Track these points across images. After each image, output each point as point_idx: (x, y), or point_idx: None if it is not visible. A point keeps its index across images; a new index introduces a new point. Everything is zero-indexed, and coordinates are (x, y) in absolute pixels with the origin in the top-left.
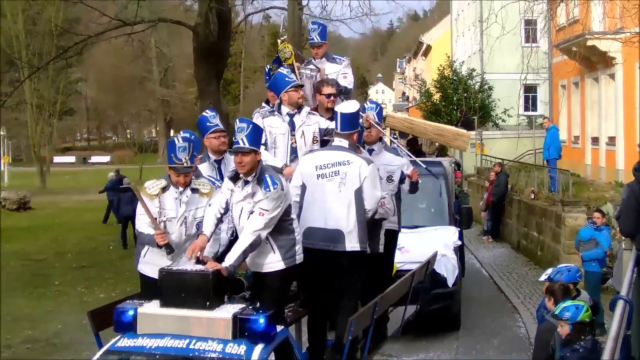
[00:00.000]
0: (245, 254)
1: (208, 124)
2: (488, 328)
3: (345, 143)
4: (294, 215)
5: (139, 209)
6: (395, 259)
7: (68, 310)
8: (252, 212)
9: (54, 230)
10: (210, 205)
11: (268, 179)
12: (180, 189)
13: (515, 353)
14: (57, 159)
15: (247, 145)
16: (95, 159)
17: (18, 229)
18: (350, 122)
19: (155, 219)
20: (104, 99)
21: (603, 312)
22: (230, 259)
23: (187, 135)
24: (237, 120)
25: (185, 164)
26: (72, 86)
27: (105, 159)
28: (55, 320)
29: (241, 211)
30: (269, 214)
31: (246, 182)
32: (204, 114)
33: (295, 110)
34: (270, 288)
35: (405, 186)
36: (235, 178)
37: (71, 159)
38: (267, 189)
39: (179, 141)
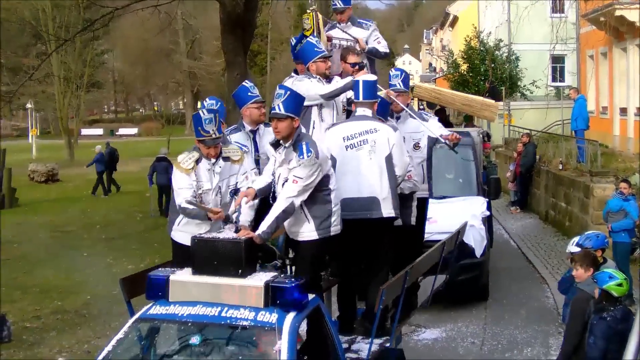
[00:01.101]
0: (278, 221)
1: (249, 94)
2: (516, 298)
3: (368, 112)
4: (332, 187)
5: (178, 183)
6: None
7: (97, 282)
8: (287, 180)
9: (82, 202)
10: (244, 173)
11: (303, 146)
12: (213, 160)
13: (544, 323)
14: (85, 132)
15: (282, 112)
16: (122, 131)
17: (46, 201)
18: (372, 91)
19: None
20: (131, 71)
21: (631, 283)
22: (263, 226)
23: (213, 102)
24: (277, 87)
25: (213, 135)
26: (99, 59)
27: (133, 131)
28: (84, 291)
29: (279, 177)
30: (302, 182)
31: (285, 149)
32: (243, 84)
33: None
34: (303, 257)
35: (447, 142)
36: (276, 145)
37: (99, 131)
38: (301, 156)
39: (204, 114)
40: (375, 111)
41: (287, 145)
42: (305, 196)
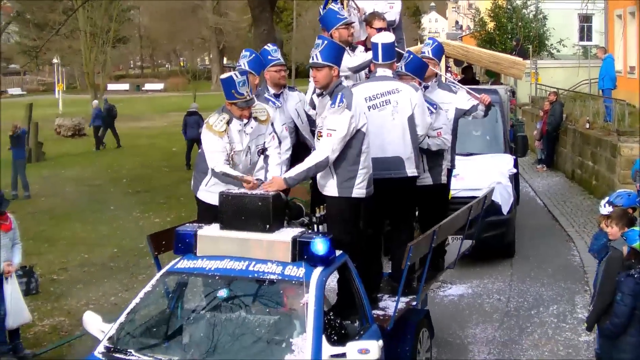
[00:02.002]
0: (308, 172)
1: (269, 57)
2: (542, 256)
3: (389, 72)
4: (363, 148)
5: (210, 146)
6: (450, 186)
7: (123, 235)
8: (319, 134)
9: (108, 156)
10: (271, 132)
11: (338, 96)
12: (244, 120)
13: (570, 281)
14: (111, 87)
15: (320, 61)
16: (148, 86)
17: (73, 155)
18: (390, 51)
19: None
20: (157, 27)
21: None
22: (291, 172)
23: (247, 54)
24: (317, 38)
25: (247, 97)
26: (125, 14)
27: (159, 86)
28: (110, 244)
29: (320, 128)
30: (336, 134)
31: (322, 97)
32: (265, 47)
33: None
34: (329, 212)
35: (479, 112)
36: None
37: (125, 86)
38: (332, 105)
39: (237, 77)
40: (395, 69)
41: (324, 94)
42: (339, 150)
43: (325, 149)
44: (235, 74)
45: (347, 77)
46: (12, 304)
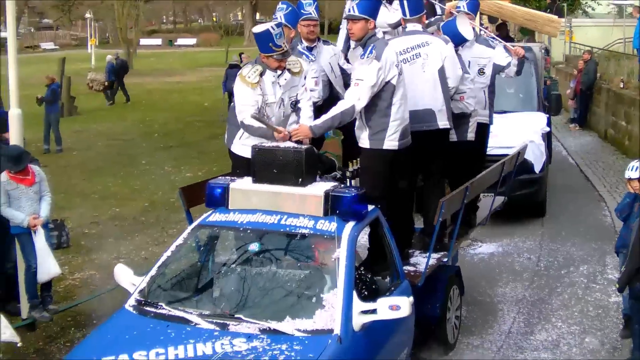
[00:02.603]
0: (334, 120)
1: (302, 10)
2: (573, 216)
3: (418, 26)
4: (395, 100)
5: (242, 98)
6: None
7: (155, 189)
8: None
9: (140, 111)
10: (303, 85)
11: (369, 48)
12: (279, 72)
13: (600, 241)
14: (144, 42)
15: (356, 13)
16: (181, 41)
17: (105, 110)
18: (417, 5)
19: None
20: None
21: None
22: (318, 121)
23: (284, 7)
24: None
25: (284, 48)
26: None
27: (192, 41)
28: (142, 198)
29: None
30: (363, 84)
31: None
32: (301, 0)
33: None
34: (362, 165)
35: (512, 69)
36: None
37: (157, 41)
38: (362, 56)
39: (274, 29)
40: (424, 24)
41: (357, 45)
42: (366, 100)
43: (351, 97)
44: (272, 26)
45: (385, 33)
46: (41, 257)
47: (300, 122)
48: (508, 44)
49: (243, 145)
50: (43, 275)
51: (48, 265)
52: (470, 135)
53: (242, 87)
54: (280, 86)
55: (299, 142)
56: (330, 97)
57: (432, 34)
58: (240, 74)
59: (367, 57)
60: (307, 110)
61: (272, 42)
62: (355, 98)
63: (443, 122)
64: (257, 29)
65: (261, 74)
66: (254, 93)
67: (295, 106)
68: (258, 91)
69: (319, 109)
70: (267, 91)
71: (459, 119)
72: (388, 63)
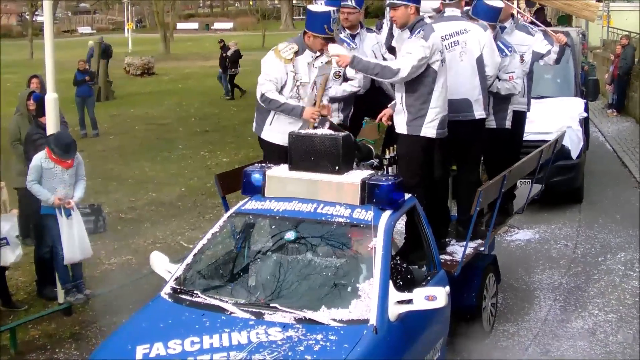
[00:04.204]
0: (375, 67)
1: None
2: (611, 202)
3: (457, 11)
4: (436, 86)
5: (269, 70)
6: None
7: (191, 174)
8: None
9: (177, 95)
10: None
11: (417, 30)
12: (318, 53)
13: (638, 229)
14: (180, 26)
15: (397, 0)
16: (217, 25)
17: (142, 94)
18: None
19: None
20: None
21: None
22: (362, 57)
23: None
24: None
25: (334, 34)
26: None
27: (228, 25)
28: (178, 183)
29: None
30: (411, 57)
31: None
32: None
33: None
34: (398, 151)
35: (552, 56)
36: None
37: (194, 25)
38: (410, 37)
39: (334, 13)
40: (462, 8)
41: (404, 29)
42: (408, 72)
43: (398, 63)
44: (333, 10)
45: (430, 17)
46: (74, 240)
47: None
48: (549, 30)
49: (272, 132)
50: (75, 255)
51: (81, 247)
52: (508, 124)
53: (274, 61)
54: (315, 68)
55: (336, 129)
56: (372, 88)
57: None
58: (276, 48)
59: (415, 36)
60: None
61: (328, 25)
62: (401, 64)
63: (479, 112)
64: (317, 8)
65: (296, 53)
66: (285, 69)
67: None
68: (290, 67)
69: (360, 98)
70: (300, 70)
71: (501, 104)
72: (434, 47)
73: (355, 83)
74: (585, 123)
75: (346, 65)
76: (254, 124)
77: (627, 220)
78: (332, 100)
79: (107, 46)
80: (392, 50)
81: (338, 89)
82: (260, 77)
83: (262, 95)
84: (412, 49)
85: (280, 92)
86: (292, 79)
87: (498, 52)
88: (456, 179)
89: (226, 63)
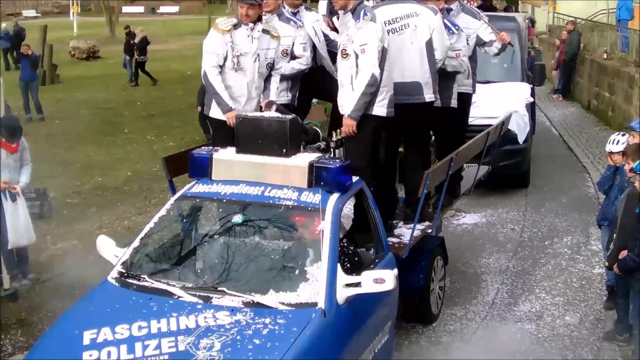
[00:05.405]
0: (364, 96)
1: None
2: (557, 186)
3: None
4: (386, 67)
5: (209, 44)
6: (469, 112)
7: (137, 158)
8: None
9: (122, 79)
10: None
11: (361, 12)
12: (250, 25)
13: (584, 212)
14: (126, 9)
15: None
16: (163, 9)
17: (87, 78)
18: None
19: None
20: None
21: None
22: (349, 106)
23: None
24: None
25: (257, 3)
26: None
27: (174, 9)
28: (124, 167)
29: (339, 46)
30: (369, 47)
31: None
32: None
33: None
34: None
35: (492, 49)
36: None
37: (140, 9)
38: (357, 19)
39: None
40: None
41: (345, 12)
42: (377, 62)
43: (365, 66)
44: None
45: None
46: (19, 224)
47: (270, 97)
48: (495, 29)
49: (218, 109)
50: (21, 240)
51: (24, 232)
52: (454, 102)
53: (212, 34)
54: (254, 39)
55: (283, 112)
56: (318, 69)
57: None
58: (215, 22)
59: (363, 19)
60: (274, 85)
61: None
62: (369, 65)
63: (429, 95)
64: None
65: (235, 26)
66: (222, 40)
67: (272, 69)
68: (227, 38)
69: (307, 79)
70: (240, 41)
71: (446, 81)
72: (382, 26)
73: (304, 61)
74: (531, 108)
75: (353, 123)
76: (204, 108)
77: (573, 205)
78: (281, 78)
79: (21, 29)
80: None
81: (287, 67)
82: (203, 53)
83: (204, 73)
84: (366, 38)
85: (223, 64)
86: (230, 49)
87: (445, 30)
88: (404, 161)
89: (134, 50)
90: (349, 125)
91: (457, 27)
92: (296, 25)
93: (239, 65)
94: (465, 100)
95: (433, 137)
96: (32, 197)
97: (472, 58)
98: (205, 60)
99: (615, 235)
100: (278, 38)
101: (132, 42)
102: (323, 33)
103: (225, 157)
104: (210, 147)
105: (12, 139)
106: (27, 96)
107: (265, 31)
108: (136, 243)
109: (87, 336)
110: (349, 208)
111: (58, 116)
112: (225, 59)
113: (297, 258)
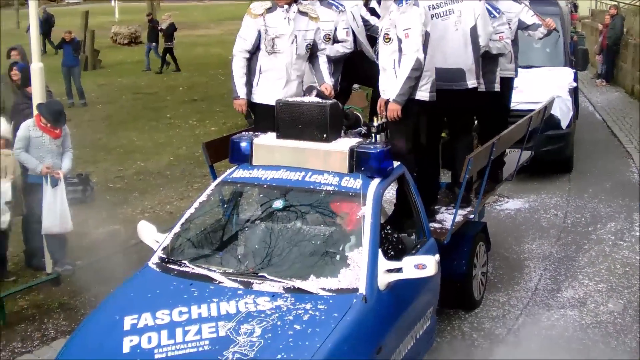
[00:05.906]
0: (409, 82)
1: None
2: (600, 172)
3: None
4: (428, 51)
5: (242, 29)
6: (512, 96)
7: (179, 143)
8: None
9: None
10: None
11: None
12: (285, 6)
13: (628, 198)
14: None
15: None
16: None
17: (129, 63)
18: None
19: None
20: None
21: None
22: (395, 90)
23: None
24: None
25: None
26: None
27: None
28: (166, 152)
29: (380, 31)
30: (413, 32)
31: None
32: None
33: None
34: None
35: (537, 33)
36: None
37: None
38: (399, 4)
39: None
40: None
41: None
42: (421, 46)
43: (410, 50)
44: None
45: None
46: (55, 211)
47: (322, 72)
48: (539, 15)
49: (260, 93)
50: (53, 227)
51: (62, 219)
52: (497, 87)
53: (245, 19)
54: (291, 20)
55: (324, 97)
56: (359, 54)
57: None
58: (249, 7)
59: (406, 3)
60: (323, 65)
61: None
62: (413, 50)
63: (472, 82)
64: None
65: (269, 10)
66: (255, 24)
67: (311, 51)
68: (260, 22)
69: (349, 65)
70: (276, 24)
71: (489, 65)
72: (425, 10)
73: (347, 45)
74: (574, 93)
75: (398, 108)
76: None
77: (617, 190)
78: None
79: (50, 16)
80: (372, 11)
81: (331, 49)
82: (237, 37)
83: (233, 56)
84: (409, 22)
85: (257, 48)
86: (264, 32)
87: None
88: (447, 146)
89: (161, 36)
90: (393, 110)
91: (498, 11)
92: (338, 10)
93: (274, 48)
94: (507, 84)
95: (476, 122)
96: (74, 182)
97: (514, 42)
98: (235, 44)
99: None
100: (317, 19)
101: (159, 28)
102: (362, 18)
103: (265, 143)
104: (251, 133)
105: (56, 124)
106: (70, 82)
107: (302, 12)
108: (177, 228)
109: (128, 321)
110: (391, 193)
111: (100, 101)
112: (259, 43)
113: (338, 243)
